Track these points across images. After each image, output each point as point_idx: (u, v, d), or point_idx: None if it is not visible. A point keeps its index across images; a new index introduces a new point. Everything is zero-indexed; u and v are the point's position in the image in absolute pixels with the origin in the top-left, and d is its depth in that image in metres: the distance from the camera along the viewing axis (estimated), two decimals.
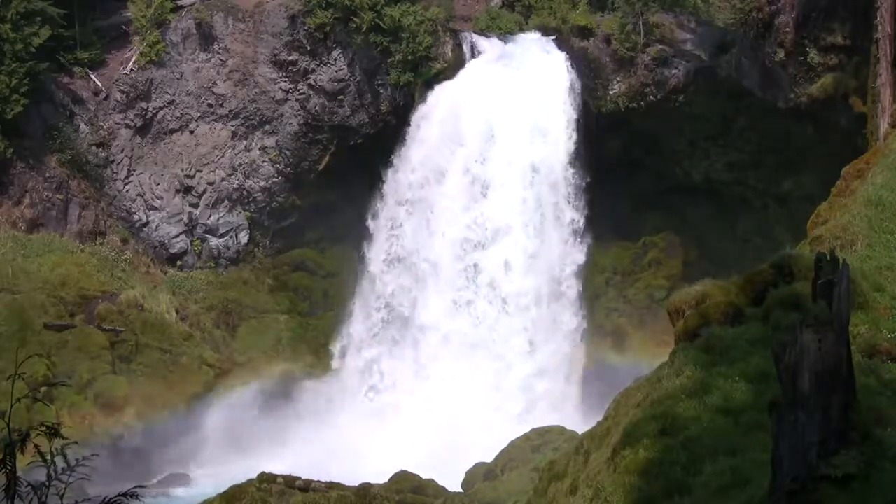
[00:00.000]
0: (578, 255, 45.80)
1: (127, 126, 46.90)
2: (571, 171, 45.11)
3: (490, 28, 48.05)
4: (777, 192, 44.15)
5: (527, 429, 34.01)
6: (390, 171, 46.36)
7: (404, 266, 46.23)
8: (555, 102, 44.85)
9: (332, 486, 30.27)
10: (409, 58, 45.16)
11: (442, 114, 45.43)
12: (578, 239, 45.78)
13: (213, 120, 47.56)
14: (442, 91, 45.80)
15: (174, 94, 47.26)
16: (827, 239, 18.74)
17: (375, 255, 46.80)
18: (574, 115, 44.91)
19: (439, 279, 45.37)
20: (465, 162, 45.19)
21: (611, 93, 44.95)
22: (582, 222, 45.65)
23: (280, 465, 33.42)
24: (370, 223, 46.86)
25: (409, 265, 46.12)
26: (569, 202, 45.35)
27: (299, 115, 47.44)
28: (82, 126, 46.21)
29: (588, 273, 46.43)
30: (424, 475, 32.23)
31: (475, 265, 45.04)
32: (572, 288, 45.83)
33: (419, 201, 46.08)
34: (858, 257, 17.52)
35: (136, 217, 47.27)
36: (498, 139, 44.84)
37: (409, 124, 45.83)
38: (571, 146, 44.93)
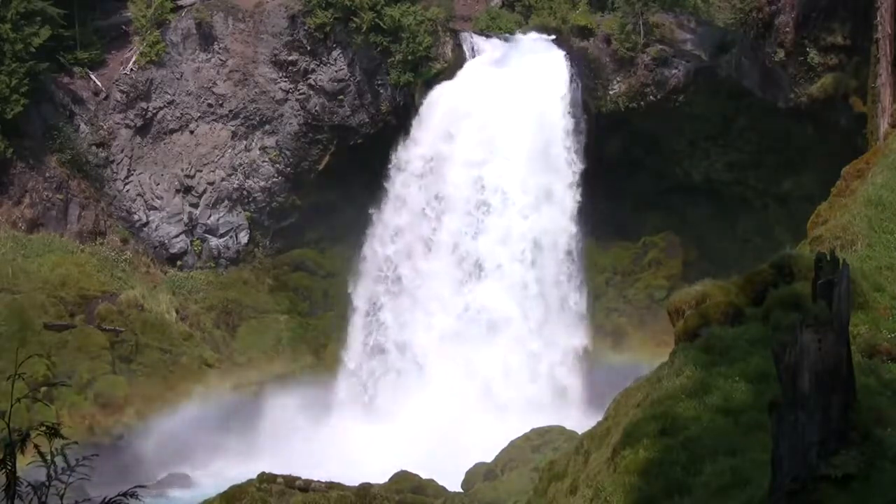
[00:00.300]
0: (581, 339, 43.01)
1: (127, 126, 46.90)
2: (578, 239, 42.78)
3: (490, 28, 48.02)
4: (777, 192, 44.15)
5: (527, 429, 33.96)
6: (369, 231, 44.37)
7: (385, 358, 43.05)
8: (556, 137, 42.73)
9: (332, 486, 30.27)
10: (409, 58, 45.12)
11: (423, 163, 42.73)
12: (580, 318, 43.05)
13: (213, 120, 47.56)
14: (423, 128, 43.17)
15: (174, 94, 47.26)
16: (827, 239, 18.73)
17: (353, 341, 44.33)
18: (581, 166, 42.75)
19: (424, 377, 41.97)
20: (453, 235, 42.46)
21: (611, 93, 44.90)
22: (584, 303, 42.92)
23: (280, 465, 33.37)
24: (350, 285, 44.74)
25: (391, 357, 42.97)
26: (571, 281, 42.84)
27: (299, 115, 47.43)
28: (82, 126, 46.21)
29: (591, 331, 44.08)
30: (424, 475, 32.20)
31: (467, 362, 41.18)
32: (575, 384, 41.90)
33: (401, 280, 43.03)
34: (858, 257, 17.51)
35: (136, 217, 47.27)
36: (491, 202, 41.73)
37: (389, 173, 43.94)
38: (576, 206, 42.51)
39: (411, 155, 44.27)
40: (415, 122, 44.55)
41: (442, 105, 44.18)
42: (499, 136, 43.10)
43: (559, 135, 43.69)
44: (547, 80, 44.18)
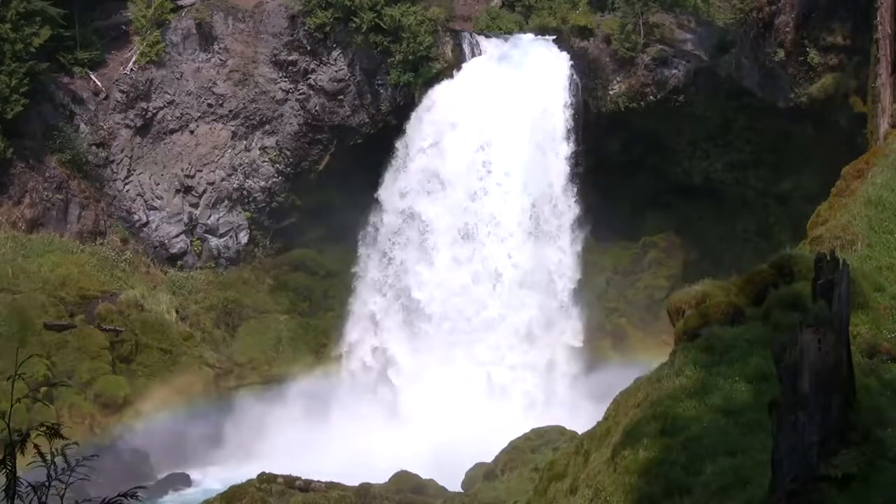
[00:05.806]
0: (577, 337, 43.76)
1: (127, 126, 46.89)
2: (577, 238, 43.21)
3: (490, 28, 48.01)
4: (777, 192, 44.14)
5: (527, 429, 33.96)
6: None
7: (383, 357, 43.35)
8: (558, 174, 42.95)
9: (332, 486, 30.31)
10: (410, 58, 45.10)
11: (422, 161, 43.04)
12: (578, 318, 43.60)
13: (213, 120, 47.54)
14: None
15: (174, 94, 47.25)
16: (827, 239, 18.74)
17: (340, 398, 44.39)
18: (581, 166, 42.92)
19: (424, 376, 42.15)
20: (452, 233, 42.65)
21: (611, 93, 44.88)
22: (580, 305, 43.47)
23: (280, 465, 33.39)
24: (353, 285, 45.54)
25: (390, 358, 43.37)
26: (570, 280, 43.17)
27: (299, 115, 47.42)
28: (82, 126, 46.19)
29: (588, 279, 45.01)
30: (424, 475, 32.21)
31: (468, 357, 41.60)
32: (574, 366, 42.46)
33: (402, 278, 43.85)
34: (858, 257, 17.52)
35: (136, 217, 47.25)
36: (491, 202, 41.83)
37: (388, 171, 44.43)
38: (575, 205, 42.99)
39: (411, 153, 44.37)
40: (414, 122, 44.58)
41: (441, 104, 44.23)
42: (498, 137, 43.21)
43: (559, 135, 43.76)
44: (547, 81, 44.20)
